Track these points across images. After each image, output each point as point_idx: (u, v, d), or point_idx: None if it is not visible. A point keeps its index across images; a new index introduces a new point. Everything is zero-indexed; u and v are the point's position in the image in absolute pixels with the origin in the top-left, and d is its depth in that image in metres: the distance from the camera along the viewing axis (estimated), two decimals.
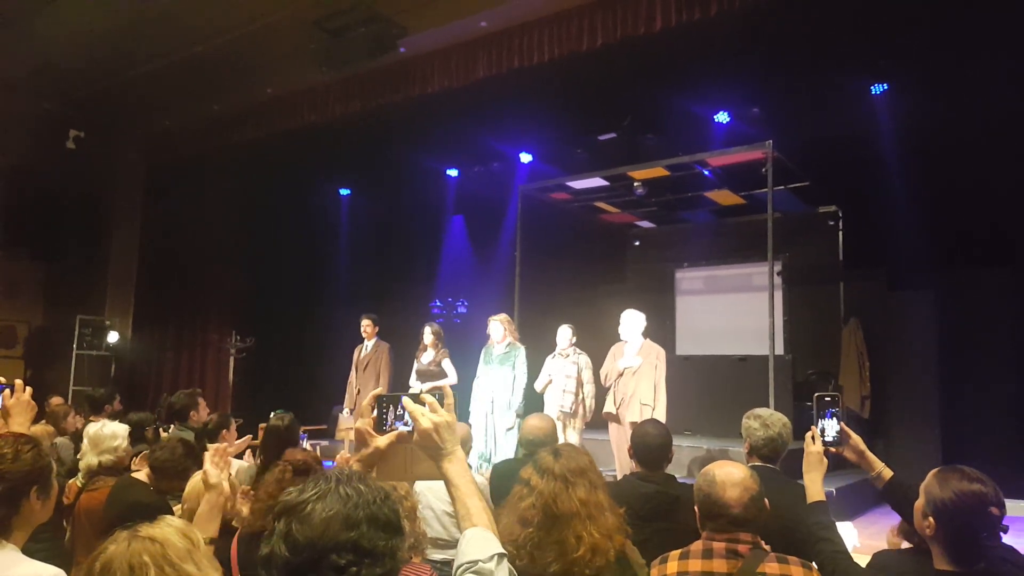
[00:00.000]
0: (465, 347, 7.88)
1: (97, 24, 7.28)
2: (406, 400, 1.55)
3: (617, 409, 6.32)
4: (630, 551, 2.19)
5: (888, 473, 2.31)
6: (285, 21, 7.23)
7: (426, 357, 7.26)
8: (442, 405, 1.52)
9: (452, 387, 6.99)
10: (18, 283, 9.99)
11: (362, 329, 7.63)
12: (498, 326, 6.84)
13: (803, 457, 2.33)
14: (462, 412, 6.54)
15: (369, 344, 7.61)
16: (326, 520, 1.12)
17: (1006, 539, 2.00)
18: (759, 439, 2.97)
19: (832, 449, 2.32)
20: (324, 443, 9.38)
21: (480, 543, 1.37)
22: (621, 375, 6.36)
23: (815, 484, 2.28)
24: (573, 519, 2.08)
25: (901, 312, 8.60)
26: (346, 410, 7.72)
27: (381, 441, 1.55)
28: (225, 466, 2.24)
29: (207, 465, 2.28)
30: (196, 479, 2.70)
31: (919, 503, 1.93)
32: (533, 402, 6.66)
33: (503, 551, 1.38)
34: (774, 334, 7.01)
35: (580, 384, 6.56)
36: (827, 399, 2.37)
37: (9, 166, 8.99)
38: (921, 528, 1.92)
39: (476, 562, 1.34)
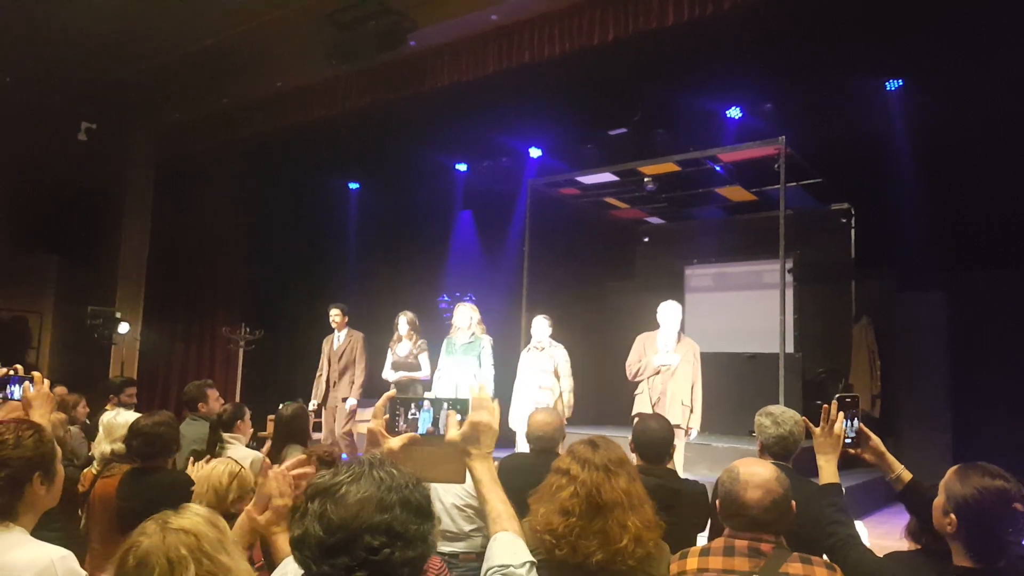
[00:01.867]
0: None
1: (107, 17, 7.29)
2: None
3: (653, 409, 5.88)
4: (662, 543, 2.20)
5: (907, 475, 2.29)
6: (295, 15, 7.23)
7: (402, 348, 6.99)
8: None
9: (423, 380, 6.88)
10: (29, 275, 10.05)
11: (331, 319, 7.37)
12: (466, 313, 6.64)
13: (814, 438, 2.32)
14: None
15: (341, 335, 7.37)
16: (360, 501, 1.14)
17: None
18: (770, 437, 2.96)
19: (851, 451, 2.30)
20: None
21: (511, 548, 1.41)
22: (658, 372, 5.98)
23: (830, 465, 2.27)
24: (616, 508, 2.10)
25: (913, 311, 8.55)
26: (314, 403, 7.32)
27: (394, 443, 1.56)
28: (290, 491, 1.81)
29: (272, 485, 1.82)
30: (208, 470, 2.69)
31: (939, 500, 1.91)
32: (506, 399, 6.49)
33: (533, 559, 1.41)
34: (784, 332, 6.98)
35: (558, 379, 6.33)
36: (847, 400, 2.34)
37: (20, 158, 9.03)
38: (941, 526, 1.90)
39: (508, 567, 1.37)
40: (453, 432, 1.57)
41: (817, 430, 2.33)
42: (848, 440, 2.30)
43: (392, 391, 1.71)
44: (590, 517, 2.09)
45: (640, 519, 2.11)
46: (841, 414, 2.31)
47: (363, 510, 1.13)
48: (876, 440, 2.32)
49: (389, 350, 7.10)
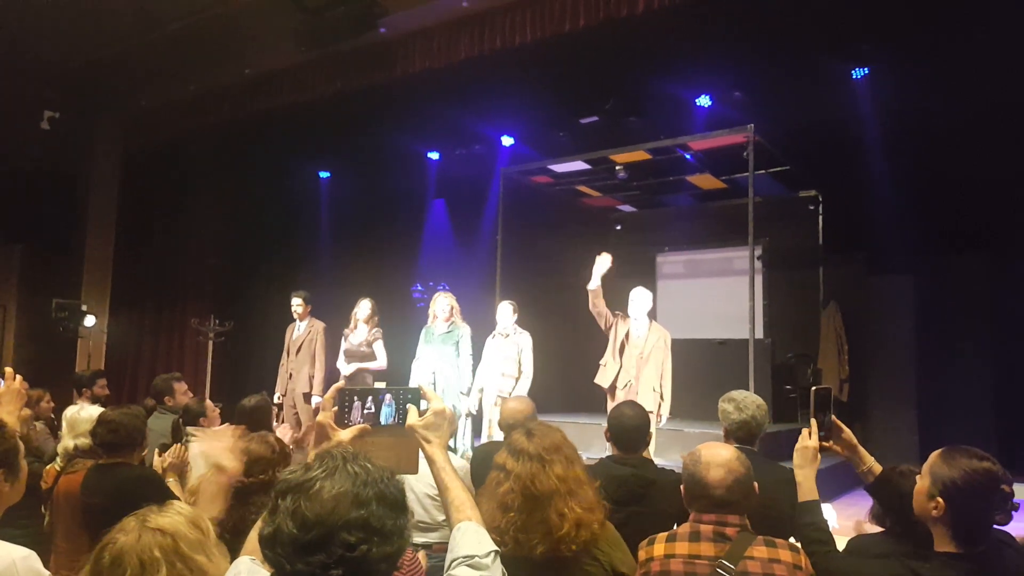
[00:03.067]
0: None
1: (71, 1, 7.12)
2: (424, 386, 1.63)
3: (624, 392, 5.89)
4: (608, 524, 2.20)
5: (878, 468, 2.27)
6: None
7: (357, 336, 6.74)
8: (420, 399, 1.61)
9: (381, 371, 6.71)
10: None
11: (293, 309, 7.09)
12: (445, 302, 6.48)
13: (794, 451, 2.28)
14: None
15: (302, 324, 7.10)
16: (335, 497, 1.11)
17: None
18: (733, 422, 2.99)
19: (824, 443, 2.27)
20: None
21: (476, 538, 1.41)
22: (623, 352, 5.94)
23: (808, 481, 2.23)
24: (553, 496, 2.08)
25: (880, 296, 8.69)
26: (277, 395, 7.05)
27: (344, 435, 1.55)
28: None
29: (223, 458, 2.10)
30: (209, 474, 2.66)
31: (923, 485, 1.89)
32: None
33: (498, 548, 1.41)
34: (754, 318, 7.06)
35: (520, 366, 6.27)
36: (822, 392, 2.30)
37: None
38: (925, 510, 1.87)
39: (473, 557, 1.36)
40: (413, 418, 1.58)
41: (804, 441, 2.28)
42: (821, 433, 2.27)
43: (341, 382, 1.70)
44: (529, 510, 2.07)
45: (579, 504, 2.09)
46: (815, 425, 2.26)
47: (339, 506, 1.10)
48: (848, 433, 2.29)
49: (343, 338, 6.85)
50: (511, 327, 6.43)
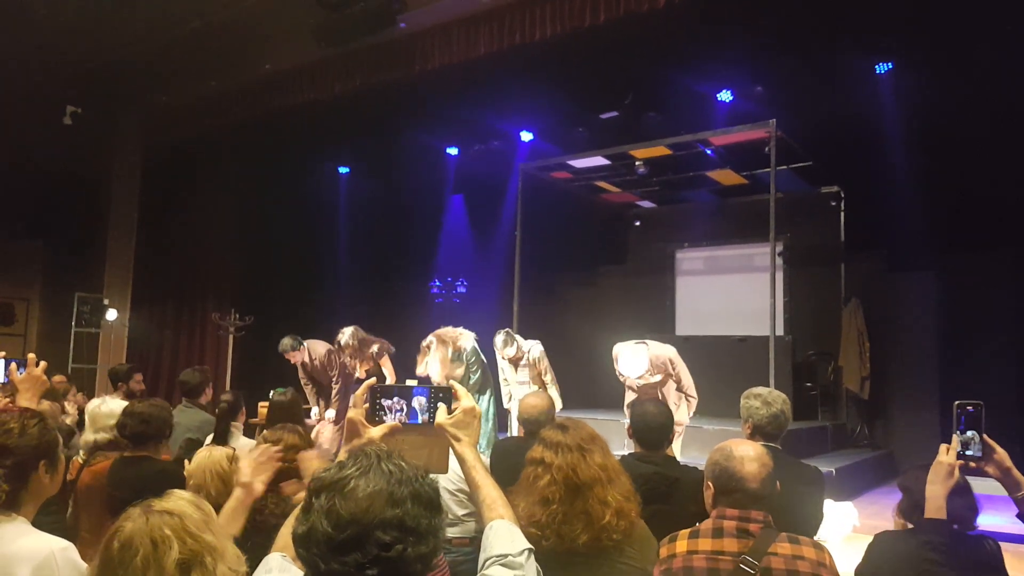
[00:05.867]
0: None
1: (93, 1, 7.19)
2: (455, 384, 1.63)
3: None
4: (640, 522, 2.20)
5: None
6: None
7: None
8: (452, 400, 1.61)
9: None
10: (16, 261, 9.97)
11: (292, 360, 6.88)
12: (436, 367, 5.93)
13: (931, 467, 2.10)
14: None
15: (304, 359, 6.89)
16: (370, 496, 1.09)
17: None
18: (763, 417, 2.95)
19: (972, 464, 2.04)
20: None
21: (509, 536, 1.41)
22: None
23: (937, 499, 2.04)
24: (595, 485, 2.09)
25: (902, 293, 8.61)
26: (315, 412, 7.09)
27: (375, 432, 1.55)
28: (269, 470, 2.12)
29: (243, 463, 2.14)
30: (202, 455, 2.68)
31: None
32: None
33: (531, 546, 1.40)
34: (775, 314, 7.01)
35: (540, 381, 6.11)
36: (969, 408, 2.07)
37: (5, 143, 8.92)
38: None
39: (506, 556, 1.36)
40: (443, 416, 1.57)
41: (941, 456, 2.09)
42: (969, 452, 2.04)
43: (372, 379, 1.69)
44: (571, 500, 2.08)
45: (619, 492, 2.11)
46: (955, 444, 2.05)
47: (374, 504, 1.08)
48: (1002, 454, 2.03)
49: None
50: (515, 351, 6.14)
